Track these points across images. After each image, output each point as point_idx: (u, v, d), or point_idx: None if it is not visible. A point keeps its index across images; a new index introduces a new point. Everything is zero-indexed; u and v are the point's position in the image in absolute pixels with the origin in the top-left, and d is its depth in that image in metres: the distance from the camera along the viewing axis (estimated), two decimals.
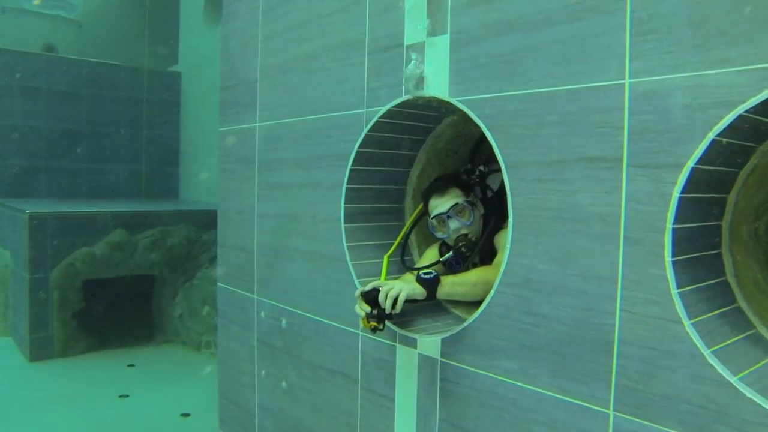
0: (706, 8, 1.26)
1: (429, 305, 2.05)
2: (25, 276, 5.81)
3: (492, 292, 1.69)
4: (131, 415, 4.62)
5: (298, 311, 2.40)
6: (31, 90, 7.54)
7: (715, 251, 1.49)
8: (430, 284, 1.78)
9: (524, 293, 1.61)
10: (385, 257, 2.17)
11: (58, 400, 4.87)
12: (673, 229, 1.32)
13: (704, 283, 1.42)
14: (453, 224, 2.05)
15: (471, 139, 2.34)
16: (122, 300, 6.53)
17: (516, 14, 1.60)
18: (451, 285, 1.81)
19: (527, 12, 1.58)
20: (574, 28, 1.48)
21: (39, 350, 5.83)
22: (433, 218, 2.09)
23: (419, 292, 1.78)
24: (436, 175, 2.29)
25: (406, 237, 2.25)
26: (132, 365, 5.82)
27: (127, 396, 4.99)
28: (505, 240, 1.97)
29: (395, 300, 1.75)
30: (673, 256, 1.33)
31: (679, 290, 1.33)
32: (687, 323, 1.31)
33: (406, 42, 1.92)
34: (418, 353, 1.90)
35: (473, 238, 2.05)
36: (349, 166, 2.14)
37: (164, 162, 8.60)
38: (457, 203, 2.05)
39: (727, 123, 1.23)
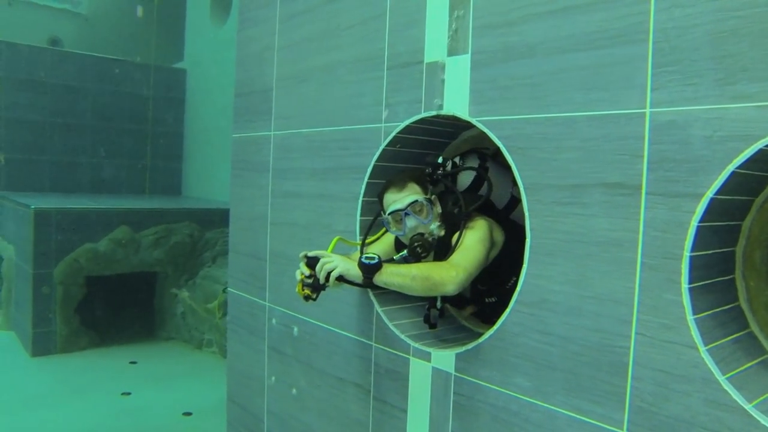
0: (728, 43, 1.28)
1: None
2: (29, 271, 5.83)
3: (507, 310, 1.72)
4: (134, 414, 4.65)
5: (311, 320, 2.43)
6: (36, 83, 7.54)
7: (729, 277, 1.53)
8: (369, 270, 1.72)
9: (540, 313, 1.64)
10: (337, 237, 2.05)
11: (61, 396, 4.90)
12: (691, 257, 1.36)
13: (719, 309, 1.45)
14: (410, 222, 1.92)
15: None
16: (125, 297, 6.57)
17: (538, 39, 1.63)
18: (390, 274, 1.73)
19: (549, 37, 1.60)
20: (596, 55, 1.51)
21: (41, 345, 5.86)
22: (388, 215, 1.96)
23: (355, 274, 1.72)
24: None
25: (365, 237, 2.15)
26: (134, 362, 5.86)
27: (129, 393, 5.02)
28: (465, 239, 1.87)
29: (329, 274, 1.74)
30: (690, 282, 1.36)
31: (695, 316, 1.36)
32: (702, 349, 1.34)
33: (427, 59, 1.95)
34: (432, 366, 1.94)
35: (430, 238, 1.92)
36: (366, 179, 2.17)
37: (167, 158, 8.63)
38: (416, 200, 1.92)
39: (747, 156, 1.27)
